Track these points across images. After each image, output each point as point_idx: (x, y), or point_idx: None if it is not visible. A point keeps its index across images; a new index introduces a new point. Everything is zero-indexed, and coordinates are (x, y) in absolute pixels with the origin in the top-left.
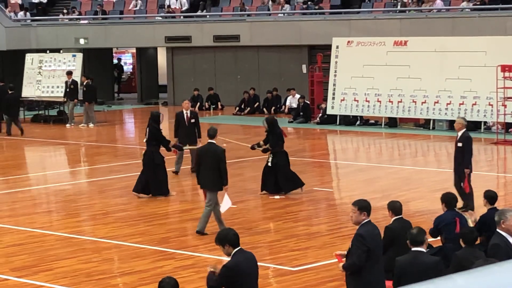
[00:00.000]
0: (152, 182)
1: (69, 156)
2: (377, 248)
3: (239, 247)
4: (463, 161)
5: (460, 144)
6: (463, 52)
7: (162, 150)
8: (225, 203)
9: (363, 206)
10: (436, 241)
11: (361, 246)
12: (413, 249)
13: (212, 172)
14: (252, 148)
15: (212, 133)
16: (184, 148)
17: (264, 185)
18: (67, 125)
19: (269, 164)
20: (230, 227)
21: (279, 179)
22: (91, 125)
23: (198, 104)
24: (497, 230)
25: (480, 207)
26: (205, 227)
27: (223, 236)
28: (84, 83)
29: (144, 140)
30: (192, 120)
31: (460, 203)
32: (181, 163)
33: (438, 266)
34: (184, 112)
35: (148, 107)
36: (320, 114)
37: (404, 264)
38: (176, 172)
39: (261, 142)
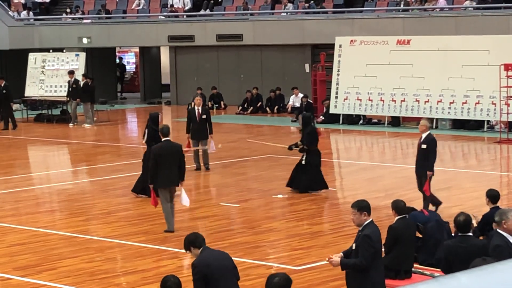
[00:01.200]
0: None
1: (72, 156)
2: (381, 248)
3: (204, 246)
4: (426, 163)
5: (424, 146)
6: (466, 51)
7: None
8: (185, 198)
9: (362, 207)
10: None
11: (369, 248)
12: (460, 234)
13: (174, 169)
14: (290, 148)
15: (166, 131)
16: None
17: (292, 182)
18: (70, 124)
19: (303, 162)
20: (195, 231)
21: (307, 177)
22: (86, 125)
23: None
24: (498, 230)
25: (483, 206)
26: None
27: (188, 241)
28: (82, 83)
29: (144, 141)
30: (204, 116)
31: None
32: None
33: (487, 248)
34: (196, 108)
35: (151, 106)
36: (324, 112)
37: (454, 247)
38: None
39: (299, 142)
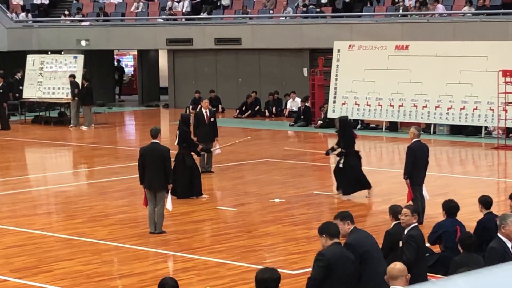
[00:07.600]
0: (184, 184)
1: (70, 158)
2: (372, 249)
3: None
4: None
5: None
6: (465, 56)
7: None
8: (170, 202)
9: (344, 216)
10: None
11: (355, 255)
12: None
13: (158, 173)
14: (327, 153)
15: (154, 133)
16: (212, 149)
17: (338, 185)
18: (70, 127)
19: (340, 165)
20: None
21: (347, 180)
22: (83, 127)
23: (200, 106)
24: (498, 234)
25: (476, 212)
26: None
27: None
28: (85, 85)
29: (176, 143)
30: (212, 119)
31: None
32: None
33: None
34: (204, 111)
35: (148, 109)
36: (322, 116)
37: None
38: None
39: (335, 146)
